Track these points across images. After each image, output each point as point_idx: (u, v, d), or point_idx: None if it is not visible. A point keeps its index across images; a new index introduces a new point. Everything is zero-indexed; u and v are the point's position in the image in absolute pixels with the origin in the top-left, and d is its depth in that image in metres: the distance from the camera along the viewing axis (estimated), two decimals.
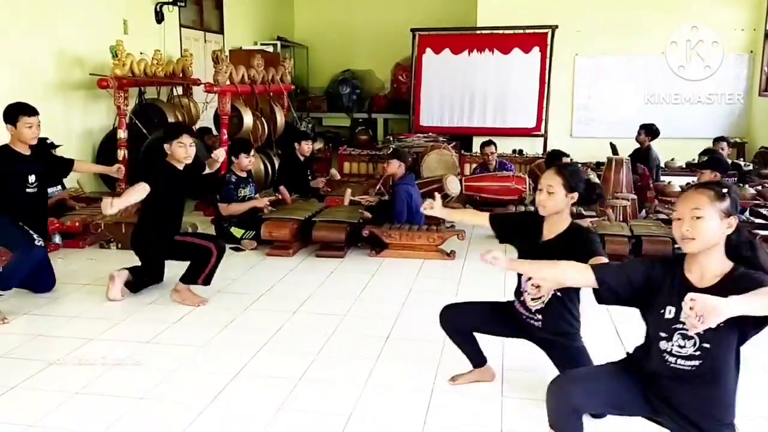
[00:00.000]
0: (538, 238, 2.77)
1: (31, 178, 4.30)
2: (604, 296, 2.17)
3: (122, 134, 7.17)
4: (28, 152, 4.32)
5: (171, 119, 7.95)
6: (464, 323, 3.03)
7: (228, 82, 7.32)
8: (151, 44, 8.09)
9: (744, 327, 1.91)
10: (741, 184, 6.50)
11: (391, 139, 9.32)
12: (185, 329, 3.90)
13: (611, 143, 8.47)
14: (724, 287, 1.93)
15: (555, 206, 2.70)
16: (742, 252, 2.01)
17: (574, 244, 2.62)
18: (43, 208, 4.54)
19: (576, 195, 2.71)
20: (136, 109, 7.71)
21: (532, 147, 9.80)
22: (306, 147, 7.10)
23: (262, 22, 11.93)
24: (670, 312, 2.04)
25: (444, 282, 4.91)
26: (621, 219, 6.08)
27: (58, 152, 5.93)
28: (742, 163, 8.02)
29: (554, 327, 2.80)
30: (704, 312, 1.66)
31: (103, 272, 5.01)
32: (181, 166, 4.38)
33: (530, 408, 2.87)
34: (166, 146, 4.38)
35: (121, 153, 7.19)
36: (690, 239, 1.99)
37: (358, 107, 12.46)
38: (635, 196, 6.43)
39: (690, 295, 1.69)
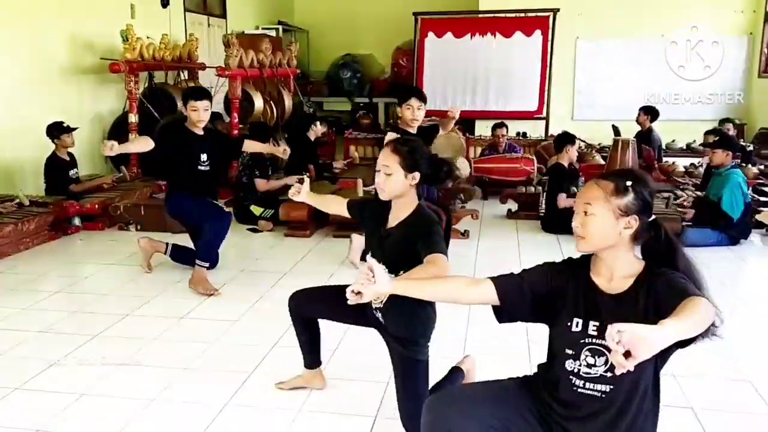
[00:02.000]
0: (382, 226, 2.43)
1: (203, 157, 4.44)
2: (503, 315, 1.84)
3: (133, 118, 7.23)
4: (201, 133, 4.44)
5: (179, 103, 8.01)
6: (309, 310, 2.70)
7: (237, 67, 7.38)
8: (156, 28, 8.12)
9: (664, 350, 1.56)
10: (745, 164, 6.64)
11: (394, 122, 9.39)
12: (215, 306, 4.01)
13: (613, 125, 8.59)
14: (637, 292, 1.69)
15: (394, 189, 2.33)
16: (660, 253, 1.74)
17: (414, 233, 2.27)
18: (214, 185, 4.70)
19: (417, 175, 2.33)
20: (146, 93, 7.75)
21: (534, 130, 9.91)
22: (321, 129, 7.25)
23: (264, 6, 11.94)
24: (577, 324, 1.73)
25: (459, 259, 5.03)
26: None
27: (75, 135, 6.00)
28: (744, 144, 8.17)
29: (394, 329, 2.44)
30: (633, 345, 1.29)
31: (125, 252, 5.13)
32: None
33: None
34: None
35: (132, 137, 7.23)
36: (580, 237, 1.74)
37: (359, 91, 12.52)
38: None
39: (615, 327, 1.31)
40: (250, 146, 4.88)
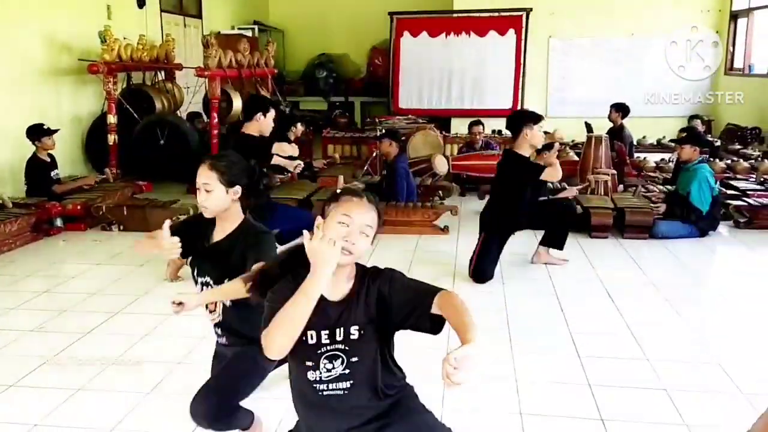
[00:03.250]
0: (207, 240, 2.37)
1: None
2: None
3: (112, 119, 7.24)
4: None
5: (158, 104, 8.04)
6: None
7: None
8: (133, 29, 8.11)
9: (391, 332, 1.79)
10: (712, 159, 6.87)
11: (377, 121, 9.50)
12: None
13: (586, 122, 8.79)
14: (359, 293, 1.76)
15: (217, 205, 2.30)
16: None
17: (243, 246, 2.26)
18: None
19: (239, 189, 2.32)
20: (124, 94, 7.75)
21: None
22: (301, 129, 7.33)
23: (239, 6, 11.96)
24: (312, 337, 1.74)
25: (440, 255, 5.16)
26: (602, 193, 6.40)
27: (57, 137, 6.00)
28: (711, 139, 8.43)
29: (240, 327, 2.36)
30: (463, 365, 1.44)
31: (110, 252, 5.17)
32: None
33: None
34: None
35: (111, 137, 7.26)
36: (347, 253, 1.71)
37: (335, 91, 12.59)
38: (615, 172, 6.75)
39: (452, 355, 1.44)
40: (275, 159, 4.89)
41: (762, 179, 6.65)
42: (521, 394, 2.91)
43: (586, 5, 10.29)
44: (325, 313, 1.72)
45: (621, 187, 6.89)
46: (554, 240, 4.87)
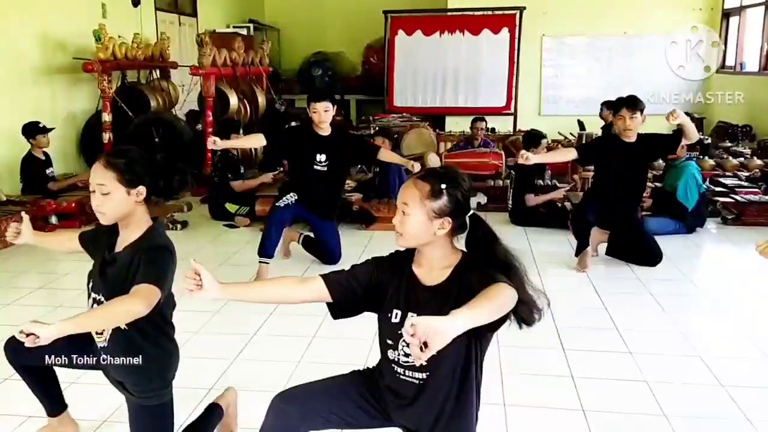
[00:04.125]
0: (109, 250, 2.11)
1: (321, 157, 4.53)
2: (336, 311, 1.90)
3: (107, 117, 7.27)
4: (325, 134, 4.55)
5: (152, 102, 8.08)
6: (29, 358, 2.26)
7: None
8: (128, 27, 8.15)
9: (478, 334, 1.69)
10: (702, 156, 6.95)
11: (371, 119, 9.57)
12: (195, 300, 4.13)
13: (579, 120, 8.87)
14: (451, 282, 1.76)
15: (115, 210, 2.02)
16: (479, 243, 1.79)
17: (139, 260, 2.00)
18: (331, 187, 4.73)
19: (143, 189, 2.03)
20: (119, 92, 7.79)
21: (503, 125, 10.14)
22: None
23: (234, 4, 12.00)
24: (396, 316, 1.78)
25: None
26: None
27: (51, 135, 6.06)
28: (701, 137, 8.50)
29: (116, 372, 2.16)
30: (428, 337, 1.36)
31: None
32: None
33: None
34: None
35: (106, 136, 7.30)
36: (398, 233, 1.81)
37: (330, 89, 12.62)
38: None
39: (411, 321, 1.38)
40: (386, 156, 4.94)
41: (751, 175, 6.74)
42: (505, 386, 2.98)
43: (578, 4, 10.36)
44: (415, 296, 1.78)
45: None
46: (614, 250, 4.93)
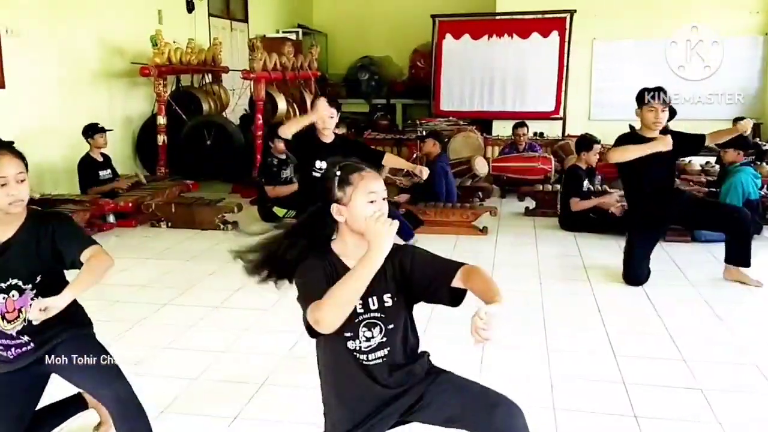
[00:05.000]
0: None
1: (320, 164, 4.43)
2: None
3: (162, 120, 7.50)
4: (327, 140, 4.53)
5: (205, 105, 8.29)
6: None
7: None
8: (182, 33, 8.39)
9: (414, 302, 1.89)
10: (759, 162, 6.74)
11: (418, 123, 9.59)
12: (247, 297, 4.22)
13: (630, 125, 8.69)
14: (386, 265, 1.78)
15: (27, 197, 2.08)
16: None
17: (46, 232, 2.07)
18: None
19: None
20: (173, 96, 8.01)
21: (551, 130, 10.04)
22: (341, 131, 7.42)
23: (284, 10, 12.20)
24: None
25: (478, 255, 5.21)
26: None
27: (109, 137, 6.26)
28: (759, 142, 8.25)
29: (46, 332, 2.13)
30: (489, 322, 1.53)
31: (160, 248, 5.39)
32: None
33: None
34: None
35: (161, 138, 7.52)
36: None
37: (377, 93, 12.70)
38: None
39: (483, 311, 1.54)
40: (391, 161, 4.84)
41: None
42: (555, 390, 2.95)
43: (630, 6, 10.17)
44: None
45: None
46: (733, 254, 4.44)
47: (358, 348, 1.83)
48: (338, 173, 1.79)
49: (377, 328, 1.84)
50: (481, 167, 7.00)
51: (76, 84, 6.91)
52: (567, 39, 10.16)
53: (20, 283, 2.07)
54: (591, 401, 2.88)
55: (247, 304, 4.05)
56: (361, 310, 1.82)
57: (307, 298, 1.71)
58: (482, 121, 10.54)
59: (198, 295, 4.24)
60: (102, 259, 2.04)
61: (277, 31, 11.63)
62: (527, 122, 8.50)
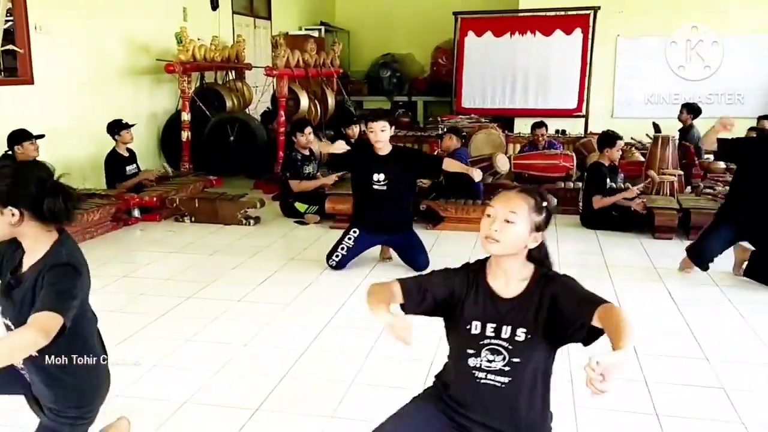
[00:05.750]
0: (15, 271, 1.95)
1: (378, 177, 4.56)
2: (407, 311, 1.90)
3: (186, 116, 7.58)
4: (384, 153, 4.61)
5: (228, 102, 8.36)
6: None
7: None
8: (206, 30, 8.46)
9: (556, 342, 1.81)
10: None
11: (440, 120, 9.58)
12: (269, 291, 4.27)
13: (654, 123, 8.65)
14: (532, 294, 1.80)
15: None
16: (538, 257, 1.86)
17: (45, 275, 1.85)
18: (397, 205, 4.67)
19: (16, 211, 1.85)
20: (197, 93, 8.10)
21: (574, 127, 9.98)
22: (356, 129, 7.43)
23: (307, 7, 12.26)
24: (476, 327, 1.83)
25: None
26: (668, 194, 6.30)
27: (133, 131, 6.34)
28: None
29: (38, 390, 2.03)
30: (607, 371, 1.46)
31: (183, 242, 5.46)
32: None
33: None
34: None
35: (185, 134, 7.61)
36: (494, 240, 1.78)
37: (398, 90, 12.73)
38: (682, 172, 6.63)
39: (594, 359, 1.46)
40: (450, 165, 4.85)
41: None
42: (576, 387, 2.95)
43: (654, 4, 10.06)
44: (495, 308, 1.82)
45: (688, 188, 6.77)
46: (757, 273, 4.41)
47: (478, 366, 1.83)
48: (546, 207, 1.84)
49: (500, 357, 1.80)
50: (503, 164, 6.97)
51: (102, 80, 7.02)
52: (590, 36, 10.08)
53: (11, 326, 1.94)
54: (612, 399, 2.86)
55: (270, 299, 4.10)
56: (491, 334, 1.81)
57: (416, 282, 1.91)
58: (504, 119, 10.51)
59: (221, 289, 4.29)
60: (21, 333, 1.71)
61: (300, 29, 11.70)
62: (549, 120, 8.46)
